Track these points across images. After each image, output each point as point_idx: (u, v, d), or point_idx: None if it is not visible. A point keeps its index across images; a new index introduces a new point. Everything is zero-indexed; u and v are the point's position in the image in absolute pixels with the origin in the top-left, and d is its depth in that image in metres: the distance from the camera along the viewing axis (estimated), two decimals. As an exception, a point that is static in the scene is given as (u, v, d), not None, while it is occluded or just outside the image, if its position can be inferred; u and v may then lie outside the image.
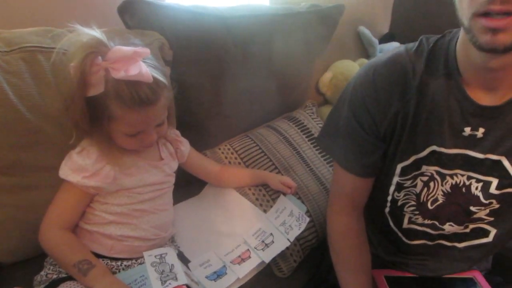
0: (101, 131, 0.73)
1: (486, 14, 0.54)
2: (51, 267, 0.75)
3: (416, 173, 0.74)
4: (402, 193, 0.78)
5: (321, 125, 1.25)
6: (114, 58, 0.67)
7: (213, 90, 1.06)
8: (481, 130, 0.67)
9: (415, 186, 0.76)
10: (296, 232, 0.96)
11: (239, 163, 1.09)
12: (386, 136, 0.74)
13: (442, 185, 0.73)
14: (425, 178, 0.74)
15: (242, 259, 0.91)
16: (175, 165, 0.90)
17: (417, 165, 0.73)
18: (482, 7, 0.53)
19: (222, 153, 1.11)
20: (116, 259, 0.77)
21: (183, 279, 0.75)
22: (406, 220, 0.82)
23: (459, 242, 0.80)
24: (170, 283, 0.73)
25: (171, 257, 0.79)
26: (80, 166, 0.73)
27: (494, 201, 0.71)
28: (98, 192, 0.76)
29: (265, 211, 1.01)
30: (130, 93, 0.68)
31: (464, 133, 0.68)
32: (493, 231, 0.76)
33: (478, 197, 0.72)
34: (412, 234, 0.83)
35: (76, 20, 1.02)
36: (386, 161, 0.77)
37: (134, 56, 0.68)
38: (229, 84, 1.07)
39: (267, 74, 1.14)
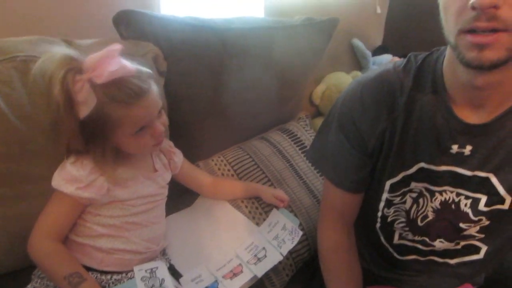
0: (96, 147, 0.72)
1: (472, 31, 0.54)
2: (39, 280, 0.73)
3: (405, 189, 0.75)
4: (392, 209, 0.79)
5: (314, 137, 1.26)
6: (92, 66, 0.66)
7: (207, 101, 1.06)
8: (469, 147, 0.67)
9: (404, 202, 0.76)
10: (289, 246, 0.96)
11: (232, 175, 1.09)
12: (374, 152, 0.74)
13: (431, 202, 0.74)
14: (414, 195, 0.75)
15: (234, 274, 0.90)
16: (168, 177, 0.89)
17: (406, 181, 0.74)
18: (468, 24, 0.54)
19: (215, 164, 1.11)
20: (106, 273, 0.75)
21: (172, 294, 0.74)
22: (396, 236, 0.82)
23: (451, 258, 0.80)
24: (160, 298, 0.72)
25: (162, 271, 0.78)
26: (74, 177, 0.71)
27: (483, 218, 0.72)
28: (91, 203, 0.75)
29: (258, 224, 1.00)
30: (123, 90, 0.67)
31: (451, 151, 0.68)
32: (484, 248, 0.76)
33: (468, 214, 0.72)
34: (403, 250, 0.83)
35: (71, 29, 1.02)
36: (375, 177, 0.77)
37: (109, 54, 0.67)
38: (223, 96, 1.08)
39: (261, 86, 1.14)
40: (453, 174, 0.70)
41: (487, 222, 0.72)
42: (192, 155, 1.08)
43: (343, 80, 1.45)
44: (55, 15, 1.00)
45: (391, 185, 0.76)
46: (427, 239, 0.78)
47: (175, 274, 0.86)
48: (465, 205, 0.72)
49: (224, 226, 1.01)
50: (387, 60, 1.71)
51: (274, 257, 0.93)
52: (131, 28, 0.93)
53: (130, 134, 0.72)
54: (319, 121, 1.46)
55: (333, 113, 0.78)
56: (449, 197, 0.72)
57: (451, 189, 0.71)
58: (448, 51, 0.66)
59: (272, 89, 1.15)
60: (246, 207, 1.03)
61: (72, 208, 0.74)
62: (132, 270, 0.76)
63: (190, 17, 1.04)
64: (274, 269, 0.95)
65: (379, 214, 0.81)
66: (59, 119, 0.67)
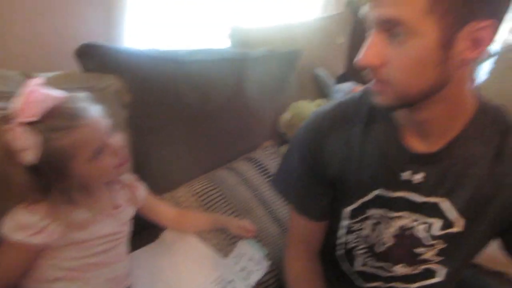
0: (58, 192, 0.69)
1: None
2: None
3: (364, 216, 0.76)
4: (352, 236, 0.80)
5: (280, 166, 1.27)
6: (19, 109, 0.63)
7: (171, 133, 1.06)
8: (420, 174, 0.70)
9: (363, 229, 0.78)
10: (256, 277, 0.95)
11: (198, 207, 1.07)
12: (333, 180, 0.76)
13: (389, 228, 0.75)
14: (373, 221, 0.77)
15: (202, 309, 0.88)
16: (131, 212, 0.87)
17: (364, 208, 0.76)
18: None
19: (181, 196, 1.09)
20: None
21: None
22: (358, 263, 0.83)
23: (412, 283, 0.81)
24: None
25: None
26: (25, 224, 0.68)
27: (439, 241, 0.74)
28: (45, 248, 0.71)
29: (225, 256, 0.99)
30: (60, 117, 0.65)
31: (404, 178, 0.71)
32: (443, 270, 0.78)
33: (424, 238, 0.74)
34: (366, 277, 0.83)
35: (32, 62, 1.00)
36: (335, 205, 0.79)
37: (32, 90, 0.64)
38: (188, 127, 1.08)
39: (226, 117, 1.15)
40: (407, 200, 0.72)
41: (444, 245, 0.74)
42: (158, 188, 1.06)
43: (308, 108, 1.49)
44: (16, 47, 0.98)
45: (350, 212, 0.77)
46: (388, 265, 0.80)
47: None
48: (421, 230, 0.74)
49: (191, 260, 0.98)
50: (350, 88, 1.76)
51: None
52: (94, 61, 0.92)
53: (88, 160, 0.69)
54: (285, 149, 1.48)
55: (294, 143, 0.80)
56: (406, 223, 0.74)
57: (407, 214, 0.73)
58: None
59: (237, 119, 1.17)
60: (213, 239, 1.01)
61: (25, 256, 0.70)
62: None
63: (154, 49, 1.04)
64: (243, 302, 0.94)
65: (341, 241, 0.82)
66: (6, 175, 0.64)
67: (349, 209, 0.77)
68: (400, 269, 0.79)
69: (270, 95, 1.27)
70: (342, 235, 0.81)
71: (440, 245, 0.74)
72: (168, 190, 1.10)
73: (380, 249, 0.78)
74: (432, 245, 0.75)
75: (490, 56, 1.80)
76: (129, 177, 0.89)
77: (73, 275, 0.73)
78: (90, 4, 1.10)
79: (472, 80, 1.91)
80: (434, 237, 0.74)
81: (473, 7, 0.51)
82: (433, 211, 0.72)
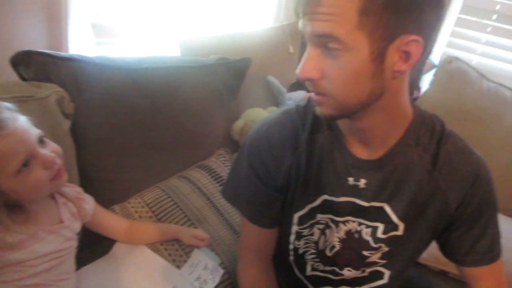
0: None
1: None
2: None
3: (312, 221, 0.78)
4: (302, 242, 0.81)
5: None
6: None
7: (121, 143, 1.02)
8: (363, 180, 0.72)
9: (312, 234, 0.79)
10: (210, 286, 0.94)
11: (150, 217, 1.05)
12: (283, 187, 0.77)
13: (337, 232, 0.77)
14: (321, 226, 0.78)
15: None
16: (77, 227, 0.82)
17: (312, 214, 0.77)
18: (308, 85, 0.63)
19: (132, 207, 1.06)
20: None
21: None
22: (309, 268, 0.84)
23: (360, 286, 0.83)
24: None
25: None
26: None
27: (383, 244, 0.77)
28: None
29: (178, 267, 0.97)
30: None
31: (349, 183, 0.73)
32: (387, 273, 0.81)
33: (369, 242, 0.77)
34: (316, 281, 0.85)
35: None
36: (285, 212, 0.80)
37: None
38: (138, 136, 1.05)
39: (177, 125, 1.13)
40: (353, 204, 0.74)
41: (387, 249, 0.77)
42: (107, 200, 1.03)
43: (260, 116, 1.50)
44: None
45: (299, 218, 0.79)
46: (336, 269, 0.81)
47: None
48: (366, 233, 0.76)
49: (144, 273, 0.95)
50: (301, 96, 1.80)
51: None
52: (31, 69, 0.89)
53: (14, 173, 0.65)
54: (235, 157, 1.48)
55: (242, 151, 0.80)
56: (352, 227, 0.77)
57: (353, 219, 0.76)
58: None
59: (188, 127, 1.15)
60: (166, 249, 0.99)
61: None
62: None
63: (99, 56, 1.01)
64: (197, 312, 0.92)
65: (291, 247, 0.83)
66: None
67: (297, 215, 0.78)
68: (347, 273, 0.81)
69: (221, 102, 1.27)
70: (292, 241, 0.82)
71: (383, 249, 0.77)
72: (118, 202, 1.06)
73: (328, 253, 0.80)
74: (375, 249, 0.77)
75: (432, 67, 1.91)
76: (73, 190, 0.85)
77: (11, 299, 0.67)
78: (28, 11, 1.05)
79: (418, 89, 2.01)
80: (378, 241, 0.76)
81: (399, 23, 0.54)
82: (377, 215, 0.74)
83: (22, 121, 0.68)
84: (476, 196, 0.72)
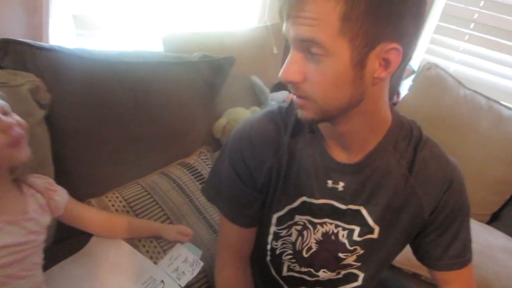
0: None
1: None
2: None
3: (291, 222, 0.78)
4: (279, 242, 0.82)
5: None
6: None
7: (99, 136, 1.01)
8: (341, 183, 0.73)
9: (290, 235, 0.80)
10: (188, 277, 0.93)
11: (128, 212, 1.03)
12: (263, 188, 0.77)
13: (314, 234, 0.78)
14: (299, 227, 0.79)
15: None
16: (46, 220, 0.77)
17: (291, 215, 0.78)
18: (290, 87, 0.63)
19: (109, 201, 1.04)
20: None
21: None
22: (285, 268, 0.84)
23: (334, 287, 0.84)
24: None
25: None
26: None
27: (358, 247, 0.78)
28: None
29: (156, 263, 0.96)
30: None
31: (327, 185, 0.74)
32: (361, 275, 0.82)
33: (345, 244, 0.78)
34: (292, 282, 0.85)
35: None
36: (264, 212, 0.80)
37: None
38: (118, 130, 1.03)
39: (158, 121, 1.12)
40: (331, 207, 0.75)
41: (362, 251, 0.78)
42: (83, 193, 1.01)
43: (243, 115, 1.50)
44: None
45: (278, 218, 0.79)
46: (312, 270, 0.82)
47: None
48: (343, 236, 0.77)
49: (121, 267, 0.94)
50: (284, 96, 1.81)
51: None
52: (9, 57, 0.87)
53: None
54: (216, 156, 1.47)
55: (224, 151, 0.80)
56: (329, 229, 0.77)
57: (330, 221, 0.77)
58: None
59: (168, 123, 1.14)
60: (144, 246, 0.98)
61: None
62: None
63: (80, 48, 1.00)
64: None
65: (268, 247, 0.83)
66: None
67: (276, 215, 0.79)
68: (322, 274, 0.82)
69: (203, 100, 1.26)
70: (270, 241, 0.83)
71: (358, 251, 0.78)
72: (95, 196, 1.04)
73: (305, 254, 0.81)
74: (351, 251, 0.78)
75: (411, 73, 1.96)
76: (44, 181, 0.80)
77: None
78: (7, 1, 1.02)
79: (398, 94, 2.04)
80: (353, 243, 0.77)
81: (380, 31, 0.55)
82: (353, 218, 0.75)
83: None
84: (449, 202, 0.73)
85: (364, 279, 0.82)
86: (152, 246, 0.99)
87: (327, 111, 0.62)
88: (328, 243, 0.78)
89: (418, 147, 0.72)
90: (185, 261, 0.97)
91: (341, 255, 0.79)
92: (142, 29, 1.46)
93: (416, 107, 1.69)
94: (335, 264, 0.80)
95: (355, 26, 0.54)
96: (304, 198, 0.75)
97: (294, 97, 0.64)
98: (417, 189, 0.73)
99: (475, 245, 0.80)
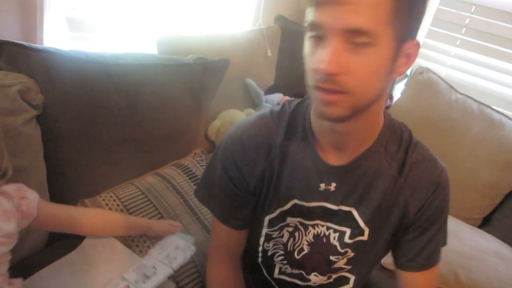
0: None
1: (320, 89, 0.59)
2: None
3: (282, 224, 0.79)
4: (271, 243, 0.83)
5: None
6: None
7: (93, 137, 1.01)
8: (333, 184, 0.74)
9: (282, 236, 0.81)
10: (179, 261, 0.93)
11: (122, 211, 1.03)
12: (255, 191, 0.78)
13: (306, 235, 0.79)
14: (290, 229, 0.79)
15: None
16: (8, 227, 0.66)
17: (282, 217, 0.78)
18: (317, 82, 0.59)
19: (103, 200, 1.04)
20: None
21: None
22: (277, 270, 0.85)
23: None
24: None
25: None
26: None
27: (348, 250, 0.78)
28: None
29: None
30: None
31: (320, 188, 0.74)
32: (352, 278, 0.83)
33: (336, 246, 0.78)
34: (283, 285, 0.86)
35: None
36: (256, 214, 0.81)
37: None
38: (111, 131, 1.04)
39: (153, 122, 1.13)
40: (322, 208, 0.76)
41: (352, 254, 0.79)
42: (77, 194, 1.01)
43: (237, 117, 1.51)
44: None
45: (270, 220, 0.80)
46: (303, 273, 0.83)
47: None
48: (334, 238, 0.78)
49: (114, 263, 0.93)
50: (279, 98, 1.82)
51: (164, 272, 0.89)
52: (2, 59, 0.87)
53: None
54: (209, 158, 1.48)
55: (217, 154, 0.80)
56: (321, 231, 0.78)
57: (322, 222, 0.77)
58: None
59: (163, 126, 1.15)
60: (137, 246, 0.98)
61: None
62: None
63: (75, 50, 1.00)
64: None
65: (260, 248, 0.84)
66: None
67: (268, 217, 0.80)
68: (313, 278, 0.82)
69: (198, 102, 1.27)
70: (262, 243, 0.83)
71: (349, 254, 0.79)
72: (88, 197, 1.04)
73: (297, 256, 0.81)
74: (342, 254, 0.79)
75: (404, 77, 1.98)
76: (13, 185, 0.72)
77: None
78: (2, 1, 1.02)
79: (391, 98, 2.06)
80: (344, 245, 0.78)
81: (412, 26, 0.58)
82: (344, 219, 0.76)
83: None
84: (434, 202, 0.74)
85: (354, 282, 0.83)
86: (146, 246, 0.99)
87: (360, 105, 0.60)
88: (320, 245, 0.79)
89: (409, 149, 0.73)
90: (177, 248, 0.96)
91: (332, 258, 0.79)
92: (137, 31, 1.47)
93: (408, 111, 1.71)
94: (327, 267, 0.81)
95: (402, 18, 0.55)
96: (295, 201, 0.76)
97: (321, 95, 0.60)
98: (406, 190, 0.74)
99: (466, 249, 0.80)
